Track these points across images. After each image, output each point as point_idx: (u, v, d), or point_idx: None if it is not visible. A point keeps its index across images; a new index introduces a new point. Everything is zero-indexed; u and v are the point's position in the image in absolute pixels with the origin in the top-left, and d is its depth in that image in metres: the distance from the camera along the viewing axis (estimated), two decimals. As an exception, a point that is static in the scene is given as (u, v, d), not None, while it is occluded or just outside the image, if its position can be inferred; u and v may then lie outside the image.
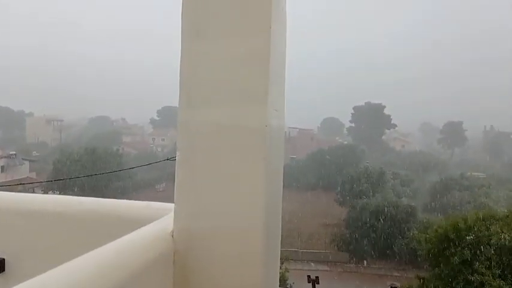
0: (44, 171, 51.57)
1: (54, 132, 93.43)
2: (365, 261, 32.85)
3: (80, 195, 2.54)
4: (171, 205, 1.92)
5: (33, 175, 49.08)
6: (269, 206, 1.81)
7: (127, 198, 2.62)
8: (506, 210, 16.54)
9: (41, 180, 44.10)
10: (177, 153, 1.84)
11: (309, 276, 20.10)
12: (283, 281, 18.71)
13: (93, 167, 43.47)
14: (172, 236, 1.80)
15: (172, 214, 1.87)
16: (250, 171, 1.76)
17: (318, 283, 19.49)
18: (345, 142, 79.18)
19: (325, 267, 31.72)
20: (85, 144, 57.71)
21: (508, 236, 14.54)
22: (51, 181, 40.36)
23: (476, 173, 53.14)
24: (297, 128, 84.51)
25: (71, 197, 2.47)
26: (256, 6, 1.77)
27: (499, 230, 14.89)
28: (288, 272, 21.29)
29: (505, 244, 14.55)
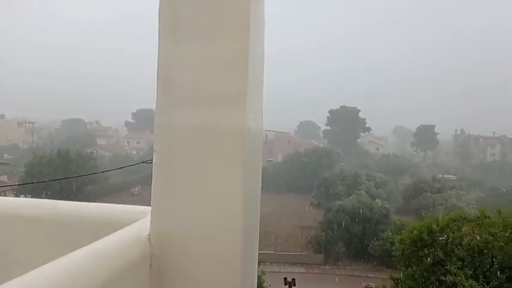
0: (16, 175, 50.56)
1: (26, 135, 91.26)
2: (340, 263, 33.18)
3: (53, 199, 2.47)
4: (148, 208, 1.88)
5: (5, 178, 47.77)
6: (247, 208, 1.80)
7: (101, 202, 2.58)
8: (477, 212, 16.89)
9: (13, 184, 42.93)
10: (154, 156, 1.81)
11: (285, 279, 20.23)
12: (259, 283, 18.69)
13: (66, 170, 42.49)
14: (149, 240, 1.77)
15: (149, 217, 1.83)
16: (229, 174, 1.74)
17: (294, 285, 19.64)
18: (321, 145, 79.88)
19: (302, 269, 31.88)
20: (58, 146, 56.42)
21: (480, 237, 14.86)
22: (23, 184, 39.34)
23: (447, 175, 54.45)
24: (274, 131, 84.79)
25: (45, 200, 2.40)
26: (235, 7, 1.75)
27: (471, 231, 15.19)
28: (264, 274, 21.28)
29: (477, 245, 14.87)
